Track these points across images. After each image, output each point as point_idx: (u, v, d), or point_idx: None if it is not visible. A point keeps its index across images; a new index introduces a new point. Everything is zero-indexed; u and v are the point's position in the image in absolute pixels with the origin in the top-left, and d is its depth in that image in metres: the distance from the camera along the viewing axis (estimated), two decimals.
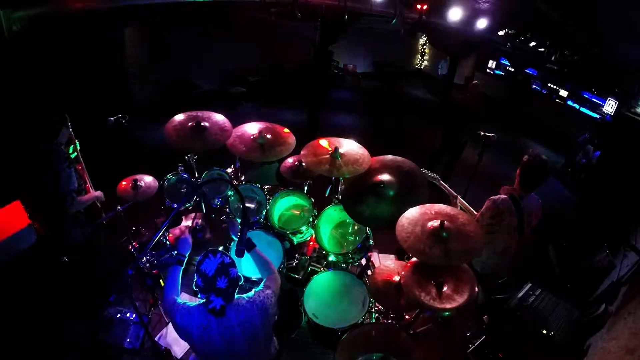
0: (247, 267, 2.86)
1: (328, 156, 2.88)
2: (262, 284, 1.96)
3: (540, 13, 5.16)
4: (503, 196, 2.65)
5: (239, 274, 1.82)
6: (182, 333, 1.79)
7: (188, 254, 2.14)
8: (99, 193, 3.06)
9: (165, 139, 2.90)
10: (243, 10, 7.12)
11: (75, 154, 3.00)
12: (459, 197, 3.05)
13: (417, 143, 7.45)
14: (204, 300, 1.76)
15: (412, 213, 2.44)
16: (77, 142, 3.01)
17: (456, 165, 5.77)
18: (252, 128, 3.16)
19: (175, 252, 2.14)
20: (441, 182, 3.20)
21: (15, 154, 3.24)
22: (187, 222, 3.01)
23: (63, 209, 2.69)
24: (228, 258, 1.77)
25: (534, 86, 8.92)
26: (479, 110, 5.24)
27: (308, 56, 7.06)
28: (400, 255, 3.52)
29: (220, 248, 2.92)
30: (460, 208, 3.00)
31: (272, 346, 2.19)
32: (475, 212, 2.87)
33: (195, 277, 1.75)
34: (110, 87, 5.77)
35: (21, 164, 3.04)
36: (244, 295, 1.85)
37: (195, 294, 2.82)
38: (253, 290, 1.89)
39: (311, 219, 3.19)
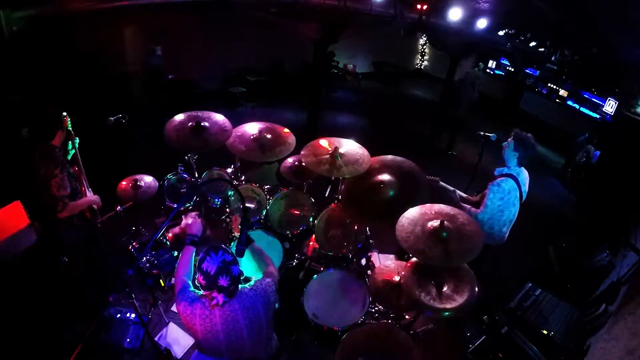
0: (245, 266, 2.85)
1: (328, 156, 2.88)
2: (261, 274, 1.99)
3: (540, 13, 5.16)
4: (505, 178, 2.90)
5: (241, 270, 1.83)
6: (186, 320, 1.80)
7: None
8: (94, 198, 2.87)
9: (165, 138, 2.90)
10: (243, 10, 7.12)
11: (74, 151, 2.81)
12: (457, 191, 3.22)
13: (417, 143, 7.44)
14: (207, 293, 1.77)
15: (412, 213, 2.44)
16: (77, 139, 2.80)
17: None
18: (252, 128, 3.17)
19: (187, 234, 2.15)
20: (441, 182, 3.21)
21: (14, 154, 3.23)
22: (187, 222, 2.99)
23: (54, 213, 2.55)
24: (229, 255, 1.77)
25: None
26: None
27: (308, 56, 7.05)
28: (400, 255, 3.52)
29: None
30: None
31: (272, 342, 2.19)
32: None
33: (197, 275, 1.75)
34: (110, 87, 5.77)
35: (17, 164, 2.99)
36: (245, 285, 1.86)
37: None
38: (253, 279, 1.91)
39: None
